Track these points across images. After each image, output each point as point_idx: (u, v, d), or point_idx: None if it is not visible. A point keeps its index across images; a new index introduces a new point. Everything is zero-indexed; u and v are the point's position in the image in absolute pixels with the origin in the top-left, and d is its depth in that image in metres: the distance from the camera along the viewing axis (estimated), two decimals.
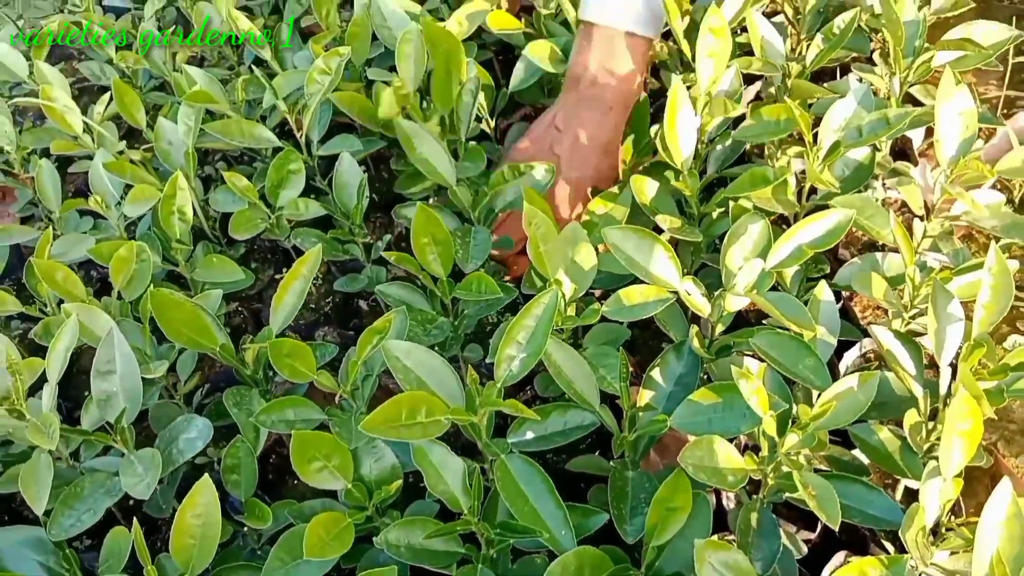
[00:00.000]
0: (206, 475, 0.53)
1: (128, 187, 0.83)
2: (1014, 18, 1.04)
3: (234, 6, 0.98)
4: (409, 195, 0.83)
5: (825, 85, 0.75)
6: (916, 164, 0.87)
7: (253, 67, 1.01)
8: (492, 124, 0.88)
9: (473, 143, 0.79)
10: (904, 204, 0.84)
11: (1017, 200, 0.88)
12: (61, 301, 0.76)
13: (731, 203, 0.65)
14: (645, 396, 0.58)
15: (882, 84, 0.82)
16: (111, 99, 0.94)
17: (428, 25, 0.79)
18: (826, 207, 0.66)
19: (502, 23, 0.85)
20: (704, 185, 0.71)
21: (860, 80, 0.81)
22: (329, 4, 0.93)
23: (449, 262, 0.67)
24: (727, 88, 0.72)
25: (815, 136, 0.67)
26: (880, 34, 0.83)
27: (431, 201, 0.87)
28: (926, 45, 0.73)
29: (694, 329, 0.58)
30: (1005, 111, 1.00)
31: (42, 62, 0.98)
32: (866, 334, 0.70)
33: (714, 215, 0.70)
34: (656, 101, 1.01)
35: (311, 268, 0.66)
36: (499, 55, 1.04)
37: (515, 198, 0.73)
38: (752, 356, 0.57)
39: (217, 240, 0.89)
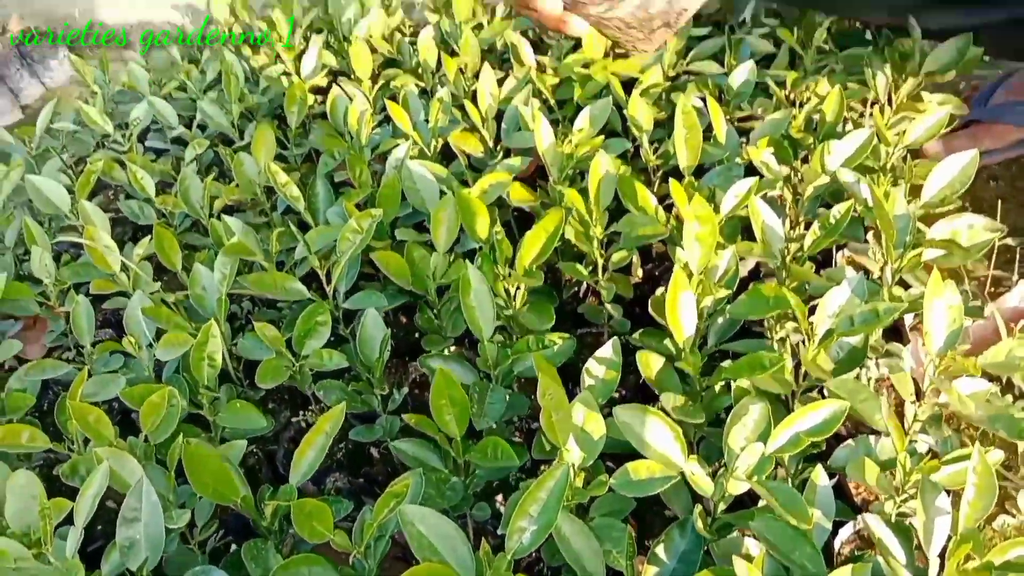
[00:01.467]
0: None
1: (160, 328, 0.88)
2: (999, 201, 1.12)
3: (272, 159, 1.06)
4: (433, 350, 0.88)
5: (822, 273, 0.80)
6: (907, 341, 0.92)
7: (285, 217, 1.08)
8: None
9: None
10: None
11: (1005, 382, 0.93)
12: (87, 439, 0.79)
13: (732, 382, 0.70)
14: (649, 572, 0.60)
15: (875, 266, 0.88)
16: (150, 240, 1.00)
17: (460, 195, 0.86)
18: (822, 389, 0.71)
19: (520, 196, 0.92)
20: (706, 356, 0.75)
21: (853, 266, 0.86)
22: (362, 164, 1.00)
23: (465, 422, 0.71)
24: (724, 266, 0.78)
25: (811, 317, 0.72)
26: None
27: (450, 351, 0.91)
28: (918, 231, 0.79)
29: (698, 509, 0.61)
30: (992, 289, 1.06)
31: (85, 201, 1.04)
32: (859, 510, 0.73)
33: (716, 388, 0.74)
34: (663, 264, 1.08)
35: (334, 425, 0.69)
36: (515, 211, 1.10)
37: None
38: (752, 536, 0.60)
39: (240, 381, 0.93)
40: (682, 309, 0.70)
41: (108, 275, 0.96)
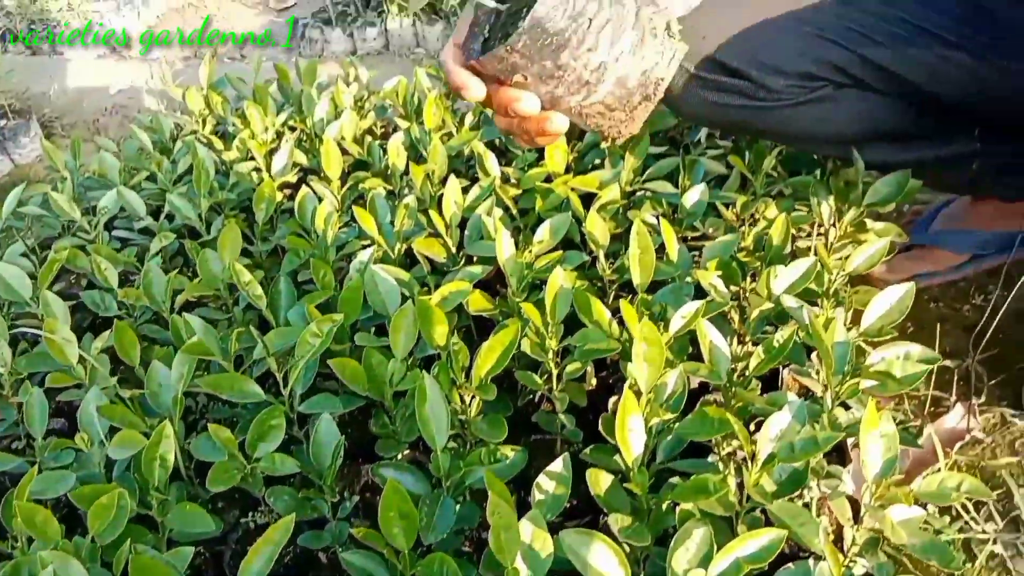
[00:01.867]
0: None
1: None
2: (939, 323, 1.17)
3: (237, 256, 1.08)
4: (386, 455, 0.89)
5: (765, 396, 0.83)
6: (849, 460, 0.95)
7: (246, 314, 1.10)
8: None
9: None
10: None
11: None
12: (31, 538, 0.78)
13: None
14: None
15: (817, 387, 0.91)
16: (109, 334, 1.00)
17: (421, 304, 0.88)
18: (764, 511, 0.73)
19: (479, 305, 0.95)
20: (654, 473, 0.77)
21: (796, 384, 0.90)
22: (325, 268, 1.02)
23: (413, 536, 0.71)
24: (672, 386, 0.81)
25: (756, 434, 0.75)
26: None
27: (404, 455, 0.92)
28: (858, 355, 0.83)
29: None
30: (931, 408, 1.10)
31: (48, 291, 1.05)
32: None
33: (663, 507, 0.76)
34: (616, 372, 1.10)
35: (283, 535, 0.70)
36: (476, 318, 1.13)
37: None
38: None
39: (190, 480, 0.92)
40: (631, 431, 0.72)
41: (65, 368, 0.96)
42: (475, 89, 0.76)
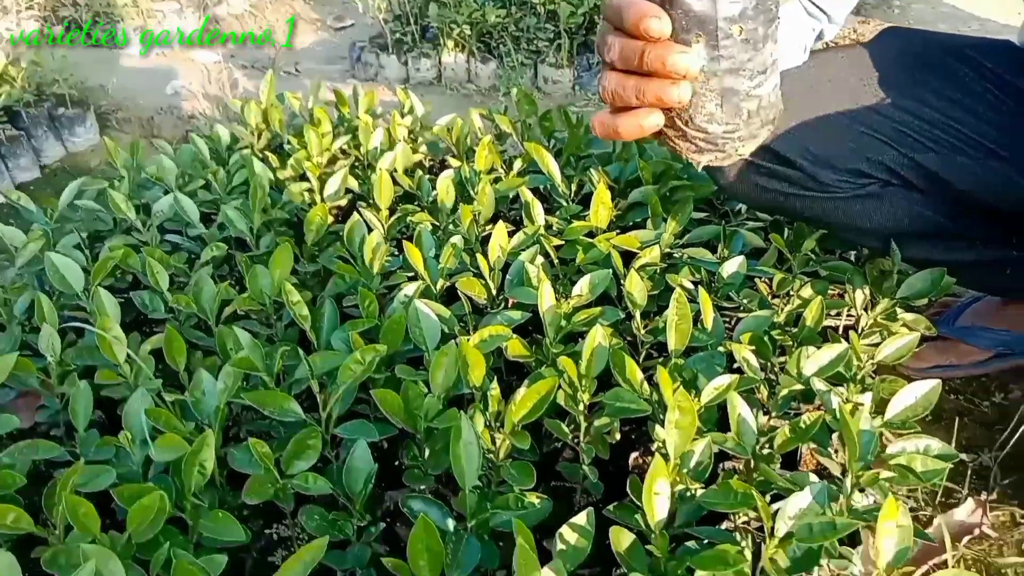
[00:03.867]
0: None
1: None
2: (958, 416, 1.19)
3: (287, 276, 1.12)
4: (413, 486, 0.91)
5: (787, 475, 0.85)
6: (859, 543, 0.97)
7: (288, 330, 1.13)
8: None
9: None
10: None
11: None
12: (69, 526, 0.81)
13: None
14: None
15: (835, 468, 0.94)
16: (158, 339, 1.04)
17: (463, 345, 0.91)
18: None
19: (517, 352, 0.98)
20: (673, 536, 0.80)
21: (815, 463, 0.92)
22: (371, 296, 1.06)
23: (438, 570, 0.74)
24: (699, 456, 0.83)
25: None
26: None
27: (427, 491, 0.95)
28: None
29: None
30: (943, 499, 1.12)
31: (101, 288, 1.09)
32: None
33: (680, 571, 0.78)
34: (640, 428, 1.13)
35: (313, 557, 0.72)
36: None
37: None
38: None
39: (222, 486, 0.95)
40: (657, 494, 0.75)
41: (113, 365, 1.00)
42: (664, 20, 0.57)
